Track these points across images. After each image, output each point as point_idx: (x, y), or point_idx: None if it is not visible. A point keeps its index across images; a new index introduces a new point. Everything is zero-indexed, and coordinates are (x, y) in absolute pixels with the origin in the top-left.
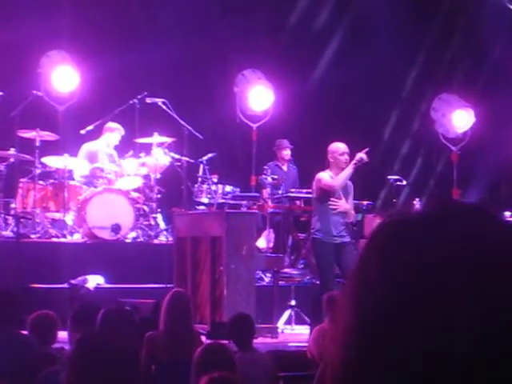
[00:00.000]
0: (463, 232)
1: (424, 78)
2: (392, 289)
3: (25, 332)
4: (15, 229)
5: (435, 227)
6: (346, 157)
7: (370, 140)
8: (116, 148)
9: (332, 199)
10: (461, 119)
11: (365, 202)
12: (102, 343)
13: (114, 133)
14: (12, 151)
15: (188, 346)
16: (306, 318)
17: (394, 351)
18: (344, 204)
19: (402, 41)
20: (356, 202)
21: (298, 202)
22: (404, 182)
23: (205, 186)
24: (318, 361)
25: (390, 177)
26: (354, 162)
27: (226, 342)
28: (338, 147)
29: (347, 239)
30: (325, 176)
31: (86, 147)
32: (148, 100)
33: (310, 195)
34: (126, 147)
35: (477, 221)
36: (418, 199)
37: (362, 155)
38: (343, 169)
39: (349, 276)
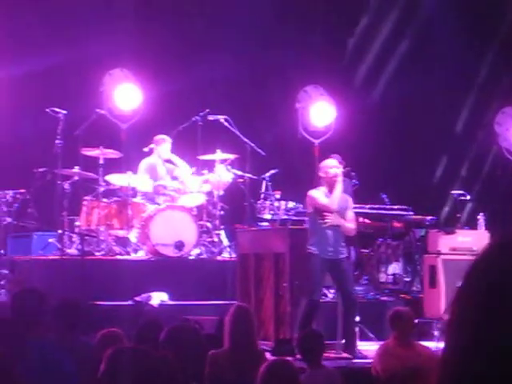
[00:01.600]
0: None
1: (487, 91)
2: (496, 310)
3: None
4: (80, 246)
5: None
6: (335, 170)
7: (432, 155)
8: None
9: (324, 214)
10: None
11: (428, 217)
12: (132, 359)
13: (161, 145)
14: (76, 169)
15: (253, 364)
16: (371, 334)
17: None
18: (335, 218)
19: (464, 55)
20: (419, 217)
21: (360, 218)
22: (468, 197)
23: (267, 203)
24: (382, 377)
25: (453, 191)
26: (338, 178)
27: (290, 358)
28: (329, 162)
29: (343, 255)
30: (319, 195)
31: (145, 162)
32: (210, 117)
33: (373, 211)
34: (189, 164)
35: None
36: (482, 214)
37: (340, 170)
38: (334, 181)
39: (455, 296)
